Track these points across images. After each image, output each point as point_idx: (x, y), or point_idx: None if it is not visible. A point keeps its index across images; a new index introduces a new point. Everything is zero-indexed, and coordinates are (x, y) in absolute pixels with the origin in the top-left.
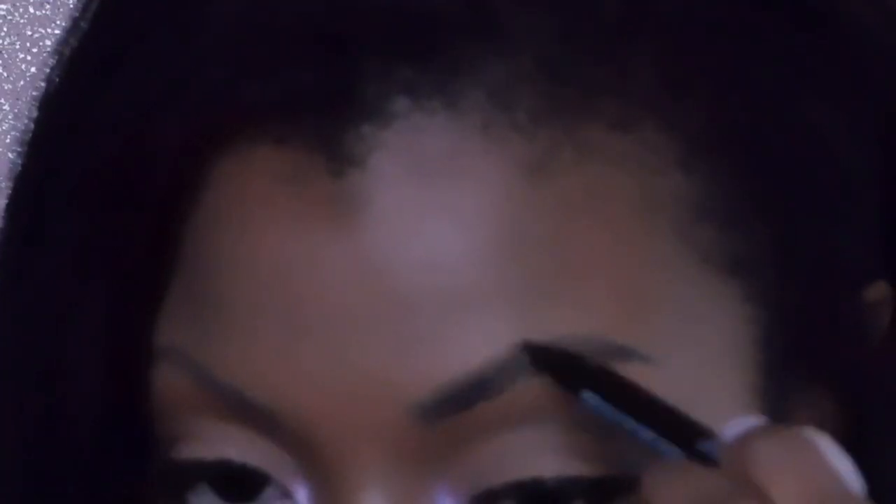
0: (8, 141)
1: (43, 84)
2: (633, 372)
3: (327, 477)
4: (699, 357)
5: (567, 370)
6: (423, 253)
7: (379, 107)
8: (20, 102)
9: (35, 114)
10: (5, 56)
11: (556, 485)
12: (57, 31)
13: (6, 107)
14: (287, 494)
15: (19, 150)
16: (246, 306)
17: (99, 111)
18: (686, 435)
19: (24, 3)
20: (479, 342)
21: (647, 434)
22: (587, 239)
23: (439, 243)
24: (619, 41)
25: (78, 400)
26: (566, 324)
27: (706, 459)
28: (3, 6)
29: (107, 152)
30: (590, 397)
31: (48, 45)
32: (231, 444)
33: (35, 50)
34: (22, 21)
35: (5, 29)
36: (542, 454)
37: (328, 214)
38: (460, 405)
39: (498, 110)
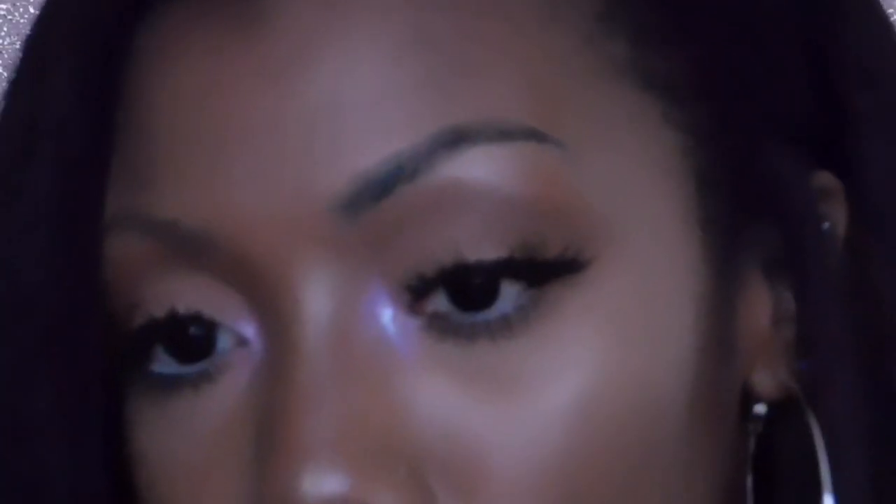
0: None
1: None
2: (548, 157)
3: (269, 298)
4: (616, 160)
5: None
6: (331, 55)
7: None
8: None
9: None
10: (5, 56)
11: (480, 267)
12: None
13: None
14: (241, 342)
15: None
16: (171, 139)
17: None
18: None
19: (24, 3)
20: (391, 133)
21: None
22: (492, 34)
23: (347, 44)
24: None
25: (37, 291)
26: (475, 108)
27: None
28: (3, 6)
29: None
30: None
31: None
32: (181, 295)
33: None
34: (22, 21)
35: (5, 29)
36: (465, 238)
37: (237, 37)
38: (378, 192)
39: None
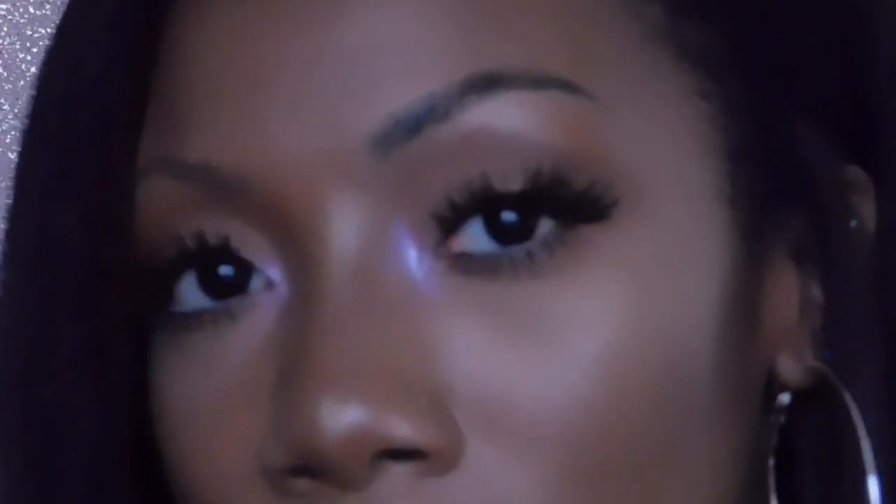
0: (8, 141)
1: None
2: (578, 108)
3: (297, 239)
4: (646, 120)
5: None
6: (371, 2)
7: None
8: (20, 102)
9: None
10: (5, 56)
11: (508, 195)
12: None
13: (6, 107)
14: (269, 285)
15: (19, 149)
16: (205, 82)
17: None
18: None
19: (24, 3)
20: (425, 74)
21: None
22: None
23: None
24: None
25: (69, 232)
26: (508, 55)
27: None
28: (3, 6)
29: None
30: None
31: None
32: (212, 229)
33: (35, 50)
34: (22, 21)
35: (5, 29)
36: (493, 172)
37: None
38: (409, 130)
39: None
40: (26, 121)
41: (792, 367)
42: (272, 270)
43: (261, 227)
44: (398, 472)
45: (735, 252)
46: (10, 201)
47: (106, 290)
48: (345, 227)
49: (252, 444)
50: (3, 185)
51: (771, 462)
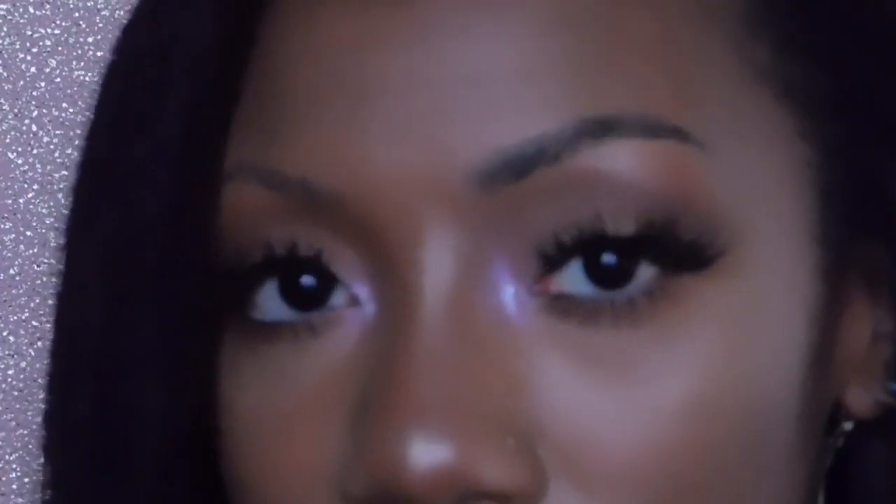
0: (8, 141)
1: (43, 84)
2: (689, 157)
3: (390, 262)
4: (750, 163)
5: None
6: (478, 25)
7: None
8: (20, 102)
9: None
10: (5, 56)
11: (617, 239)
12: (57, 31)
13: (6, 107)
14: (353, 302)
15: (19, 150)
16: (306, 94)
17: None
18: None
19: (24, 3)
20: (537, 113)
21: None
22: (639, 25)
23: (495, 16)
24: None
25: (152, 225)
26: (622, 99)
27: None
28: (3, 6)
29: None
30: None
31: (48, 45)
32: (303, 240)
33: (35, 50)
34: (22, 21)
35: (5, 29)
36: (604, 214)
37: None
38: (517, 171)
39: None
40: (101, 106)
41: (860, 397)
42: (360, 288)
43: (354, 244)
44: None
45: (818, 293)
46: (77, 189)
47: (184, 288)
48: (442, 256)
49: (323, 464)
50: (3, 185)
51: (821, 493)
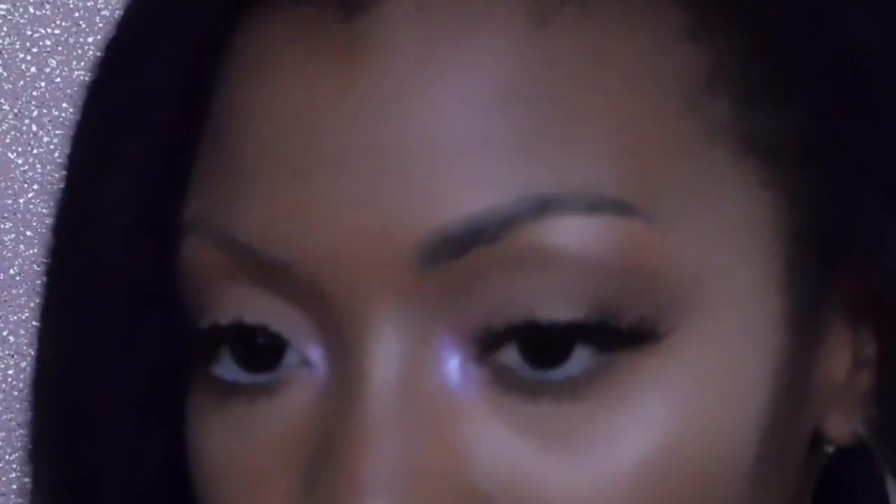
0: (8, 141)
1: (43, 84)
2: (634, 230)
3: (339, 329)
4: (706, 226)
5: None
6: (426, 99)
7: None
8: (20, 102)
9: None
10: (5, 56)
11: (552, 327)
12: (57, 31)
13: (6, 107)
14: (305, 362)
15: (19, 150)
16: (258, 154)
17: None
18: None
19: (24, 3)
20: (479, 190)
21: None
22: (586, 98)
23: (445, 87)
24: None
25: (115, 272)
26: (562, 174)
27: None
28: (3, 6)
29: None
30: None
31: (48, 45)
32: (251, 308)
33: (35, 50)
34: (22, 21)
35: (5, 29)
36: (540, 298)
37: (336, 61)
38: (455, 250)
39: None
40: (76, 136)
41: (840, 426)
42: (312, 351)
43: (304, 308)
44: None
45: (784, 343)
46: (52, 221)
47: (148, 336)
48: (388, 329)
49: None
50: (3, 185)
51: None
